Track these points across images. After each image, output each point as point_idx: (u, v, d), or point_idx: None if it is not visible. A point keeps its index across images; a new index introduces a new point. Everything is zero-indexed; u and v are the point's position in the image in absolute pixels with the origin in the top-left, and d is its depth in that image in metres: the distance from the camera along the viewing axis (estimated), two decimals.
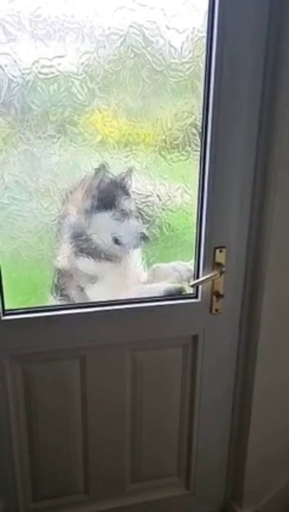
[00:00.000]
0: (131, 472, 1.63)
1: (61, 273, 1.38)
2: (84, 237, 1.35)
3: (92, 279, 1.40)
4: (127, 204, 1.35)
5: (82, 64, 1.16)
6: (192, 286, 1.39)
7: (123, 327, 1.41)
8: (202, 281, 1.37)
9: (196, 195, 1.34)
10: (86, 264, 1.38)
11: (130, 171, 1.29)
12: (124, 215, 1.35)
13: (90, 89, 1.18)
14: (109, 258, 1.39)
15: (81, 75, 1.16)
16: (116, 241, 1.37)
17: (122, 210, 1.35)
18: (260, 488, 1.69)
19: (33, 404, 1.44)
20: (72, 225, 1.33)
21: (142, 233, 1.36)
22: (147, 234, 1.36)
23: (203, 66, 1.22)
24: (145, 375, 1.50)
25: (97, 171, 1.27)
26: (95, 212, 1.33)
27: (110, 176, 1.29)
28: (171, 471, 1.68)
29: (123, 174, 1.29)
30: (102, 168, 1.26)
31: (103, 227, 1.35)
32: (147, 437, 1.59)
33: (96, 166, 1.26)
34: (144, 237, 1.36)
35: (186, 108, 1.26)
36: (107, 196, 1.32)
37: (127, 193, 1.33)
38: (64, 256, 1.36)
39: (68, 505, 1.61)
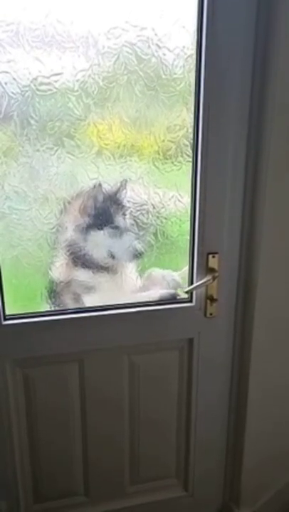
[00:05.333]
0: (130, 474, 1.67)
1: (59, 281, 1.43)
2: (81, 251, 1.41)
3: (89, 288, 1.45)
4: (122, 221, 1.41)
5: (78, 81, 1.22)
6: (186, 292, 1.44)
7: (120, 331, 1.46)
8: (195, 287, 1.43)
9: (189, 203, 1.40)
10: (83, 275, 1.44)
11: (124, 185, 1.35)
12: (120, 231, 1.41)
13: (86, 105, 1.25)
14: (106, 269, 1.45)
15: (77, 91, 1.23)
16: (112, 256, 1.43)
17: (116, 227, 1.41)
18: (258, 489, 1.73)
19: (33, 407, 1.49)
20: (69, 240, 1.39)
21: (137, 249, 1.43)
22: (142, 249, 1.43)
23: (193, 81, 1.28)
24: (143, 377, 1.55)
25: (93, 188, 1.33)
26: (91, 229, 1.39)
27: (105, 191, 1.35)
28: (169, 472, 1.72)
29: (118, 189, 1.36)
30: (98, 186, 1.32)
31: (99, 244, 1.41)
32: (146, 439, 1.63)
33: (92, 182, 1.32)
34: (138, 253, 1.43)
35: (178, 121, 1.33)
36: (103, 214, 1.38)
37: (122, 210, 1.40)
38: (62, 266, 1.41)
39: (69, 507, 1.64)
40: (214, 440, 1.68)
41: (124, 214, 1.40)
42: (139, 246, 1.42)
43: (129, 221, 1.40)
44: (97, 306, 1.46)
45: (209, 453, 1.69)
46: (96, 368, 1.50)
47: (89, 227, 1.38)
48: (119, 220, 1.40)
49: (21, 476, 1.55)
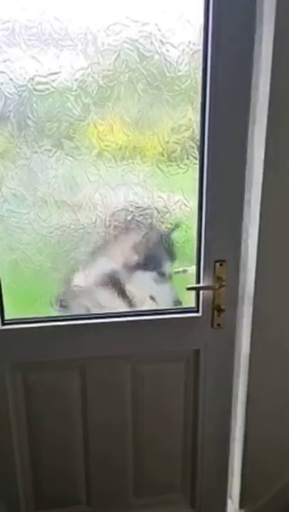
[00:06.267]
0: (134, 486, 1.62)
1: (69, 290, 1.40)
2: (118, 285, 1.41)
3: (101, 305, 1.43)
4: (168, 267, 1.40)
5: (76, 80, 1.18)
6: (188, 289, 1.36)
7: (122, 339, 1.41)
8: (198, 287, 1.36)
9: (196, 208, 1.32)
10: (103, 297, 1.42)
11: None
12: (164, 277, 1.41)
13: (85, 104, 1.20)
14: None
15: (76, 90, 1.18)
16: (152, 298, 1.43)
17: (162, 273, 1.40)
18: (258, 492, 1.65)
19: (34, 413, 1.47)
20: (110, 272, 1.39)
21: (177, 299, 1.43)
22: (180, 299, 1.43)
23: (200, 79, 1.21)
24: (146, 388, 1.49)
25: (147, 232, 1.34)
26: (137, 269, 1.39)
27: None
28: (175, 487, 1.65)
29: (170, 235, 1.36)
30: (152, 228, 1.33)
31: (141, 285, 1.41)
32: (150, 451, 1.57)
33: (145, 228, 1.33)
34: (178, 302, 1.43)
35: (183, 121, 1.25)
36: (152, 257, 1.38)
37: (171, 256, 1.39)
38: (82, 280, 1.39)
39: None
40: (221, 455, 1.59)
41: (171, 261, 1.41)
42: (179, 295, 1.43)
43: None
44: (100, 313, 1.41)
45: (216, 469, 1.61)
46: (97, 376, 1.46)
47: (135, 267, 1.39)
48: (166, 265, 1.40)
49: (22, 483, 1.54)
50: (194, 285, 1.36)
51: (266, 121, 1.21)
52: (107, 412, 1.50)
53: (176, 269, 1.43)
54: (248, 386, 1.48)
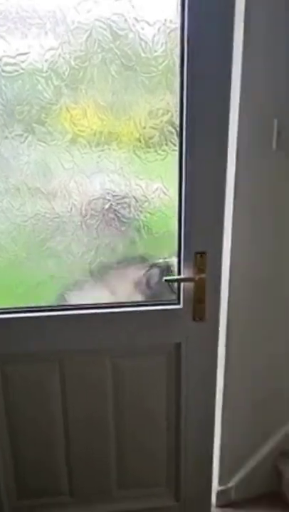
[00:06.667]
0: (117, 479, 1.59)
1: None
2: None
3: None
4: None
5: (46, 61, 1.12)
6: (166, 281, 1.31)
7: (101, 331, 1.38)
8: (176, 279, 1.31)
9: (176, 196, 1.27)
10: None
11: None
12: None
13: (57, 87, 1.15)
14: None
15: (46, 72, 1.13)
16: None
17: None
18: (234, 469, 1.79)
19: (12, 404, 1.44)
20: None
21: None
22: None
23: (177, 59, 1.14)
24: (127, 382, 1.46)
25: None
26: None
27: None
28: (159, 480, 1.62)
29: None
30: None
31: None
32: (132, 445, 1.54)
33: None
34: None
35: (161, 105, 1.19)
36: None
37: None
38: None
39: (53, 506, 1.60)
40: (204, 448, 1.56)
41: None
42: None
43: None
44: (79, 305, 1.37)
45: (201, 462, 1.58)
46: (77, 369, 1.42)
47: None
48: None
49: (3, 474, 1.52)
50: (173, 277, 1.31)
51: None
52: (87, 406, 1.47)
53: (157, 261, 1.38)
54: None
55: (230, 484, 1.80)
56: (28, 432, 1.49)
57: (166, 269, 1.34)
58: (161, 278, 1.33)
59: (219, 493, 1.78)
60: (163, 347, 1.43)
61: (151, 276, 1.35)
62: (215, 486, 1.77)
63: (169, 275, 1.34)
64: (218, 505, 1.78)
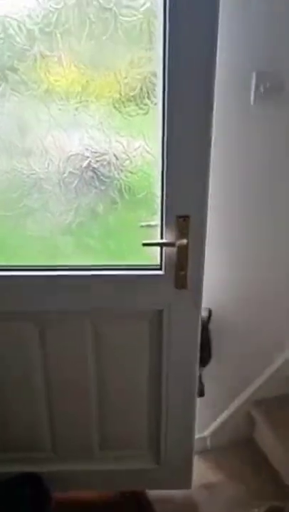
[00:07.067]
0: (99, 439, 1.60)
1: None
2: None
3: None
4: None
5: (17, 1, 1.03)
6: (144, 245, 1.24)
7: (83, 294, 1.34)
8: (154, 243, 1.26)
9: (159, 156, 1.18)
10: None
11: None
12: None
13: (30, 31, 1.06)
14: None
15: (17, 13, 1.04)
16: None
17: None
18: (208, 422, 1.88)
19: None
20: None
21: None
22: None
23: (160, 1, 1.03)
24: (109, 346, 1.43)
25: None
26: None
27: None
28: (140, 443, 1.62)
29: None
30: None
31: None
32: (114, 409, 1.54)
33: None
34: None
35: (143, 53, 1.09)
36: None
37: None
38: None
39: (36, 461, 1.62)
40: (186, 414, 1.53)
41: None
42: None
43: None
44: (57, 265, 1.33)
45: (182, 427, 1.56)
46: (57, 331, 1.41)
47: None
48: None
49: None
50: (150, 241, 1.25)
51: None
52: (69, 369, 1.46)
53: (142, 223, 1.31)
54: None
55: (206, 433, 1.88)
56: (10, 388, 1.50)
57: None
58: None
59: (195, 442, 1.78)
60: (144, 314, 1.39)
61: None
62: None
63: None
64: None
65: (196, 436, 1.74)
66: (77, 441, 1.60)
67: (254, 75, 1.30)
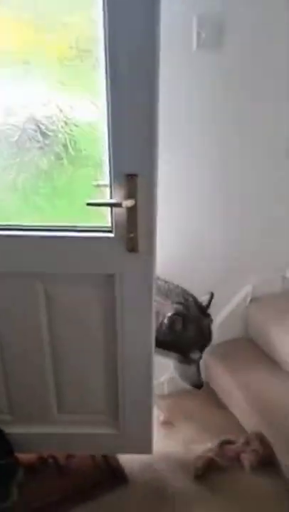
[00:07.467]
0: (57, 402, 1.58)
1: None
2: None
3: None
4: None
5: None
6: (88, 205, 1.15)
7: (32, 255, 1.29)
8: (99, 204, 1.19)
9: (104, 107, 1.10)
10: None
11: None
12: None
13: None
14: None
15: None
16: None
17: None
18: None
19: None
20: None
21: None
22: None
23: None
24: (62, 311, 1.40)
25: None
26: None
27: None
28: (98, 409, 1.60)
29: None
30: None
31: None
32: (70, 374, 1.52)
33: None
34: None
35: None
36: None
37: None
38: None
39: None
40: (142, 378, 1.51)
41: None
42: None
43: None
44: (6, 225, 1.27)
45: (139, 394, 1.53)
46: (8, 292, 1.36)
47: None
48: None
49: None
50: (95, 201, 1.17)
51: None
52: (22, 331, 1.43)
53: (95, 182, 1.24)
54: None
55: (162, 379, 1.96)
56: None
57: None
58: None
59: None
60: (96, 277, 1.34)
61: None
62: None
63: None
64: None
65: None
66: (34, 404, 1.58)
67: (195, 20, 1.25)
